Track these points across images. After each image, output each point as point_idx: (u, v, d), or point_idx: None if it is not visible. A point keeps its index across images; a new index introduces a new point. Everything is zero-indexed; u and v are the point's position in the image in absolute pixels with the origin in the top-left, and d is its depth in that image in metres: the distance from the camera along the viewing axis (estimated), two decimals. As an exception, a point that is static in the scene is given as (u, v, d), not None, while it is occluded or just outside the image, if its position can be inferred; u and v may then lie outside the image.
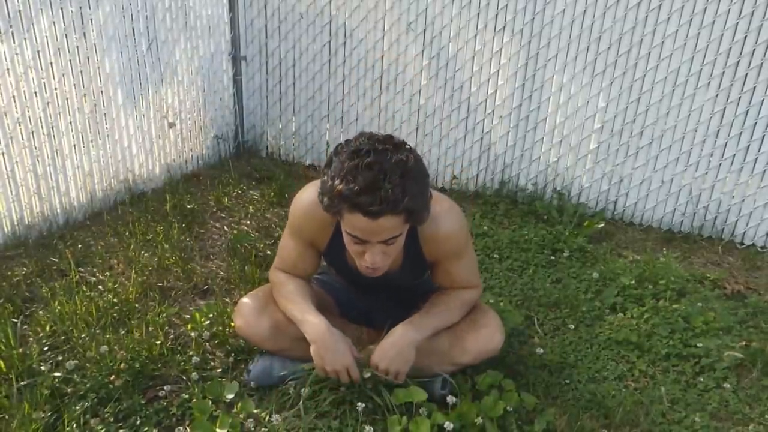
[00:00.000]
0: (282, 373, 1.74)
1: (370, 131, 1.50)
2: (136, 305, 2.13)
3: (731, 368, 2.00)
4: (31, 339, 1.93)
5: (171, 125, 3.34)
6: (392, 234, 1.44)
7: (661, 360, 2.05)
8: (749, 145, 2.88)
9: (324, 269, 2.02)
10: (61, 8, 2.54)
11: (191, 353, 1.88)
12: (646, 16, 2.87)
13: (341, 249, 1.61)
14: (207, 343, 1.95)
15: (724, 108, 2.87)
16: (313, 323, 1.61)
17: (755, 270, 2.80)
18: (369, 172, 1.36)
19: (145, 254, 2.50)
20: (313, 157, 3.83)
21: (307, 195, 1.64)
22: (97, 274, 2.34)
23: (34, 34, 2.46)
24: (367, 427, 1.56)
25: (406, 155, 1.41)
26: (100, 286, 2.24)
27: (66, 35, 2.59)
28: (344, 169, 1.38)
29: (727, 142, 2.92)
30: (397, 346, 1.58)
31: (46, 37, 2.51)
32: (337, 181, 1.38)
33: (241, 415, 1.64)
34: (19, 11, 2.37)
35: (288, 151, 3.90)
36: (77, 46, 2.65)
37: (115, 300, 2.12)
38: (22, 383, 1.68)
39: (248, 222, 2.97)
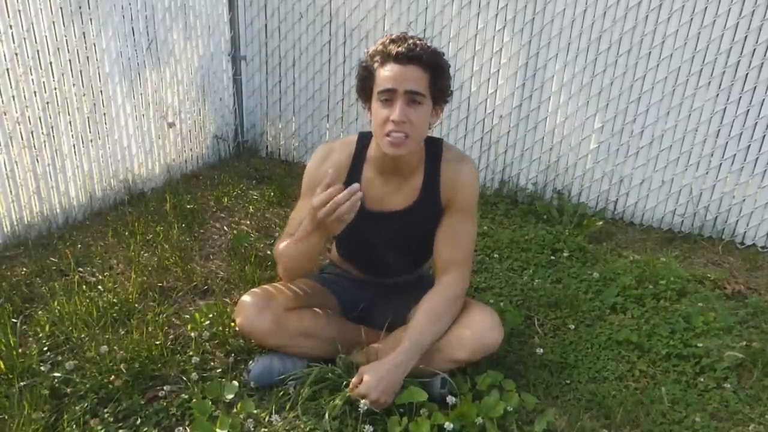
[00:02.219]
0: (282, 377, 1.74)
1: None
2: (136, 305, 2.13)
3: (732, 368, 2.00)
4: (30, 339, 1.93)
5: (170, 125, 3.33)
6: (418, 86, 1.53)
7: (662, 360, 2.05)
8: (749, 146, 2.88)
9: (327, 266, 2.04)
10: (61, 8, 2.54)
11: (191, 353, 1.88)
12: (646, 16, 2.87)
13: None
14: (207, 343, 1.95)
15: (725, 108, 2.87)
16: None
17: (756, 270, 2.80)
18: (399, 35, 1.58)
19: (145, 254, 2.50)
20: (313, 157, 3.82)
21: (319, 150, 1.78)
22: (97, 274, 2.34)
23: (34, 34, 2.46)
24: (367, 427, 1.56)
25: None
26: (99, 286, 2.24)
27: (66, 35, 2.59)
28: (375, 44, 1.60)
29: (727, 142, 2.92)
30: (386, 380, 1.58)
31: (46, 37, 2.51)
32: (369, 50, 1.59)
33: (241, 416, 1.64)
34: (19, 11, 2.37)
35: (288, 151, 3.89)
36: (77, 46, 2.65)
37: (114, 300, 2.12)
38: (22, 383, 1.68)
39: (248, 222, 2.97)
